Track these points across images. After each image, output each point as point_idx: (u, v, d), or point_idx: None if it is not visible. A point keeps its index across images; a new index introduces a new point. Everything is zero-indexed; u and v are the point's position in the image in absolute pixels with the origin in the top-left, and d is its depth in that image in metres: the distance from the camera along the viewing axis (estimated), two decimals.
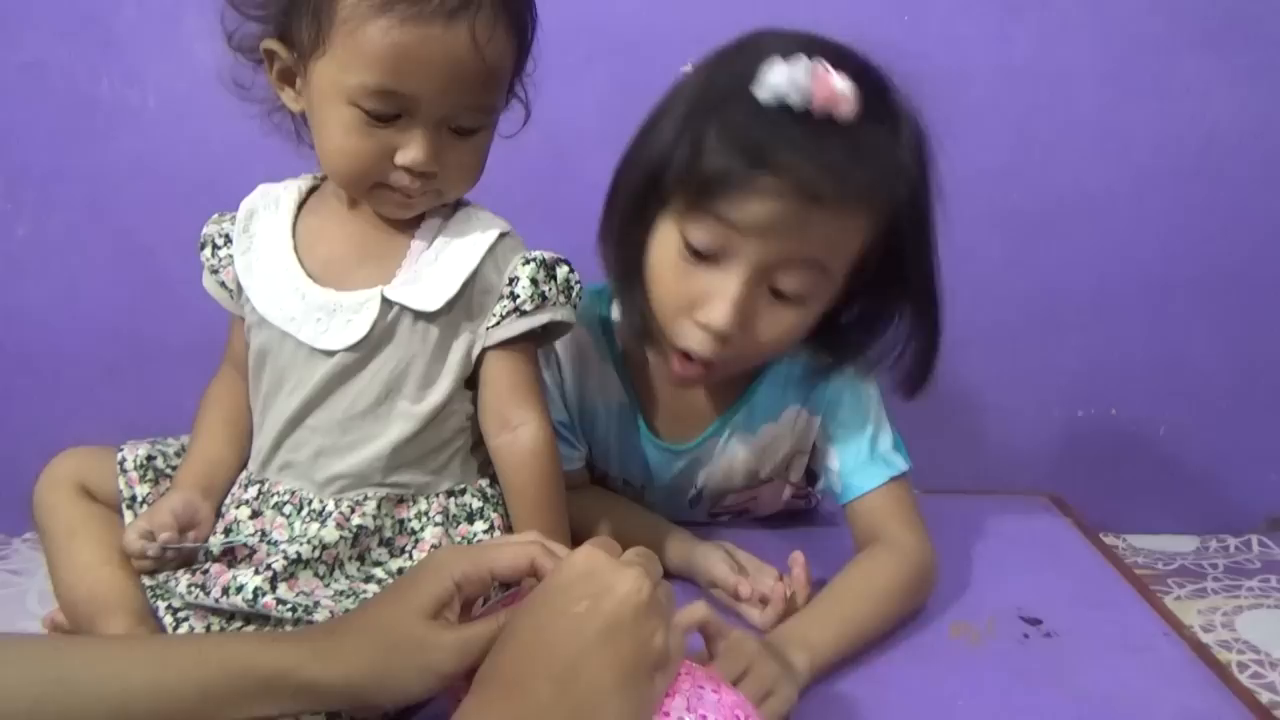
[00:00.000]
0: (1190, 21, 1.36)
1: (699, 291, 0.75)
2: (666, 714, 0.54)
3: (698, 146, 0.73)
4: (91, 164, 1.38)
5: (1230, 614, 1.31)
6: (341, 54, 0.70)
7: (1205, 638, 1.20)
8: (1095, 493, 1.47)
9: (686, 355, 0.79)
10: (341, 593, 0.73)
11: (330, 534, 0.74)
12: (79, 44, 1.34)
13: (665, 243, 0.77)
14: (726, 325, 0.74)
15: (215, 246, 0.84)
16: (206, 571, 0.74)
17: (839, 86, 0.69)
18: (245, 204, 0.84)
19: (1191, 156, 1.41)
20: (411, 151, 0.72)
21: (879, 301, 0.81)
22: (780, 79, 0.69)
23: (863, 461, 0.88)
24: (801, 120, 0.69)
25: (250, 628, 0.71)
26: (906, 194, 0.75)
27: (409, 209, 0.78)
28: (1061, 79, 1.38)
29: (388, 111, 0.71)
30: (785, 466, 0.96)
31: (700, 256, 0.75)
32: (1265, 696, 1.11)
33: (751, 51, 0.73)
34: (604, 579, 0.54)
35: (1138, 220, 1.44)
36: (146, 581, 0.76)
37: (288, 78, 0.76)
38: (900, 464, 0.90)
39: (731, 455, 0.93)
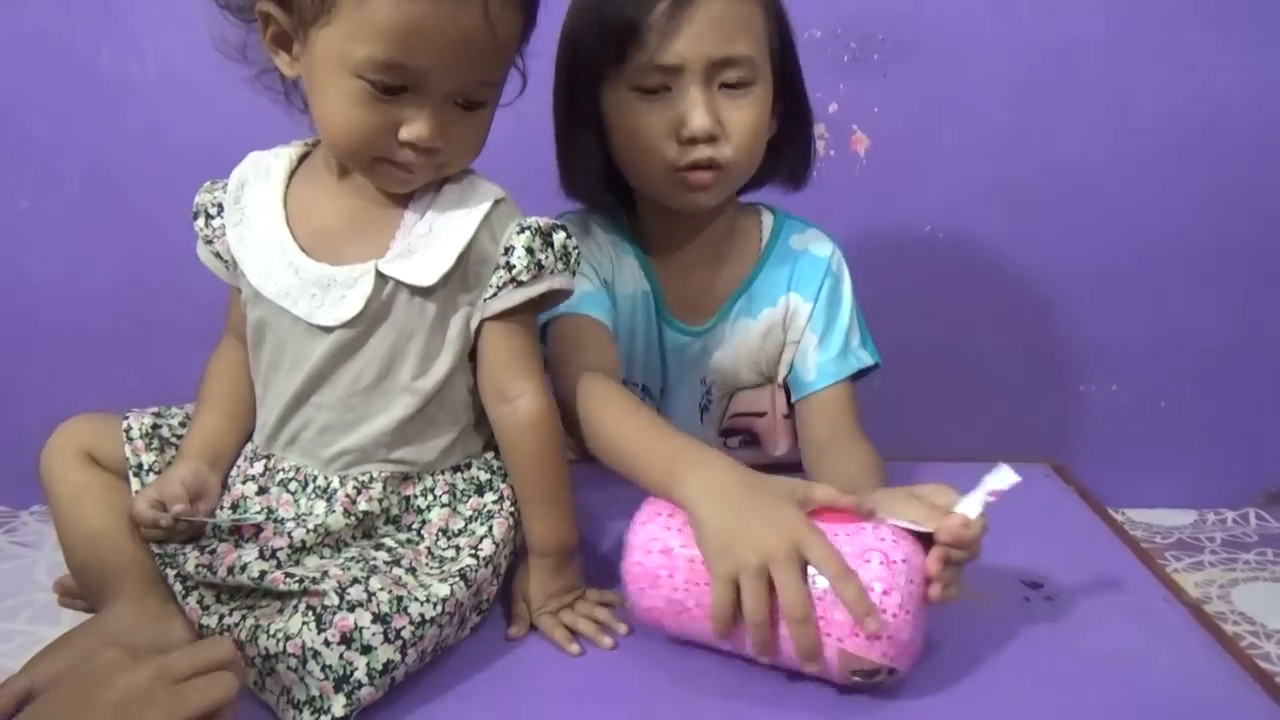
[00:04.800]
0: None
1: (672, 117, 0.88)
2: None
3: (603, 22, 0.88)
4: (93, 136, 1.38)
5: (1226, 586, 1.32)
6: (348, 24, 0.68)
7: None
8: (1096, 466, 1.47)
9: (693, 168, 0.90)
10: (351, 559, 0.73)
11: (336, 520, 0.75)
12: (78, 15, 1.34)
13: (621, 105, 0.90)
14: (707, 125, 0.87)
15: (208, 216, 0.82)
16: (214, 551, 0.74)
17: None
18: (236, 174, 0.82)
19: (1196, 130, 1.41)
20: (416, 126, 0.71)
21: (790, 109, 0.96)
22: None
23: (836, 354, 1.00)
24: None
25: (265, 601, 0.72)
26: None
27: (409, 184, 0.76)
28: (1065, 52, 1.38)
29: (394, 84, 0.70)
30: (778, 361, 1.04)
31: (654, 93, 0.89)
32: (1261, 665, 1.13)
33: None
34: (102, 672, 0.57)
35: (1141, 194, 1.44)
36: (155, 549, 0.76)
37: (283, 42, 0.74)
38: (867, 359, 1.02)
39: (738, 340, 1.02)
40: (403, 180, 0.76)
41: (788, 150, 0.98)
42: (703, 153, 0.88)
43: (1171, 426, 1.55)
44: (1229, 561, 1.39)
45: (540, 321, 0.85)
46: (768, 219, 1.04)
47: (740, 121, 0.89)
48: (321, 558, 0.74)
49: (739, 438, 1.08)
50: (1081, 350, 1.51)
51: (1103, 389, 1.53)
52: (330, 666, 0.65)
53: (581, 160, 0.96)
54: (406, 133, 0.71)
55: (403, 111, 0.71)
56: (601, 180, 0.97)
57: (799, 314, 1.01)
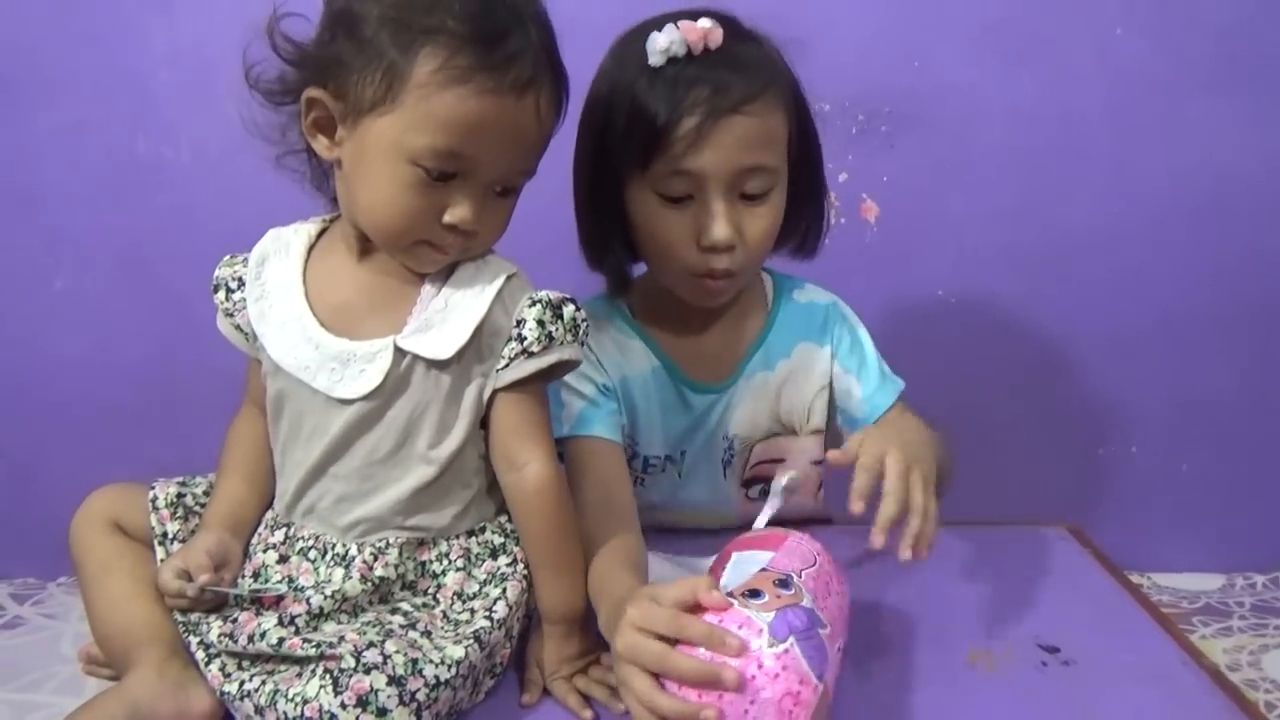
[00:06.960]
0: (1195, 65, 1.39)
1: (693, 225, 0.91)
2: None
3: (630, 125, 0.89)
4: (127, 219, 1.43)
5: (1257, 653, 1.29)
6: (411, 115, 0.72)
7: (1231, 677, 1.18)
8: (1119, 530, 1.46)
9: (710, 275, 0.93)
10: (368, 624, 0.74)
11: (354, 586, 0.76)
12: (116, 104, 1.40)
13: (645, 207, 0.92)
14: (728, 237, 0.90)
15: (229, 290, 0.86)
16: (235, 620, 0.76)
17: (703, 25, 0.88)
18: (257, 249, 0.85)
19: (1202, 194, 1.43)
20: (461, 210, 0.75)
21: (806, 187, 0.98)
22: (662, 43, 0.87)
23: (876, 385, 1.05)
24: (690, 61, 0.88)
25: (284, 666, 0.73)
26: (791, 84, 0.93)
27: (440, 265, 0.80)
28: (1067, 120, 1.41)
29: (448, 171, 0.74)
30: (807, 412, 1.06)
31: (678, 201, 0.91)
32: None
33: (633, 43, 0.90)
34: None
35: (1151, 258, 1.45)
36: (178, 617, 0.78)
37: (324, 126, 0.77)
38: (899, 381, 1.06)
39: (756, 393, 1.04)
40: (436, 261, 0.79)
41: (798, 223, 1.00)
42: (721, 261, 0.91)
43: (1194, 488, 1.53)
44: (1259, 627, 1.37)
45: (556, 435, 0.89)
46: (767, 280, 1.08)
47: (756, 230, 0.92)
48: (339, 623, 0.75)
49: (759, 487, 1.09)
50: (1098, 413, 1.51)
51: (1122, 451, 1.52)
52: None
53: (606, 250, 0.99)
54: (451, 216, 0.75)
55: (449, 197, 0.75)
56: (625, 265, 1.01)
57: (816, 360, 1.05)
